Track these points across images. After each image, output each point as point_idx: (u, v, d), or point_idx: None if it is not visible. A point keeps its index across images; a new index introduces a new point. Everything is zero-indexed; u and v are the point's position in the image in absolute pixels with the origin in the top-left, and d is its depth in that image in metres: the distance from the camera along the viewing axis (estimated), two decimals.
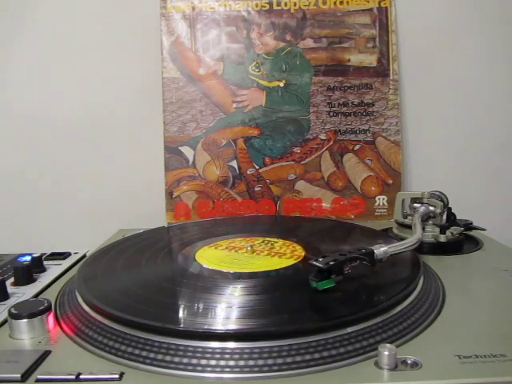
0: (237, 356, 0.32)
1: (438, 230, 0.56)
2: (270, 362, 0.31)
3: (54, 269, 0.53)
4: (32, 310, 0.38)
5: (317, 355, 0.32)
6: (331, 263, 0.38)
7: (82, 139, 0.78)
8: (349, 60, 0.75)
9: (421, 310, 0.39)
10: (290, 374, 0.31)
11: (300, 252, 0.50)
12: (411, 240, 0.46)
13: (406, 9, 0.75)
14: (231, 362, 0.32)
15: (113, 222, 0.72)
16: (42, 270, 0.52)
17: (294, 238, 0.55)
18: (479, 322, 0.38)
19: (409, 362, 0.32)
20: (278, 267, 0.46)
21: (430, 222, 0.57)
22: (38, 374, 0.32)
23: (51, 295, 0.45)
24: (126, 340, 0.34)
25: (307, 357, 0.32)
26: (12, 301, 0.44)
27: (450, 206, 0.58)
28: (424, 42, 0.77)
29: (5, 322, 0.39)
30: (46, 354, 0.34)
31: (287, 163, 0.75)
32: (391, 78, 0.75)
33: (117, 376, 0.31)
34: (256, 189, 0.75)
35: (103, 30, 0.76)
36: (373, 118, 0.75)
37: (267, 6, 0.74)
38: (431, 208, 0.57)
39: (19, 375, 0.31)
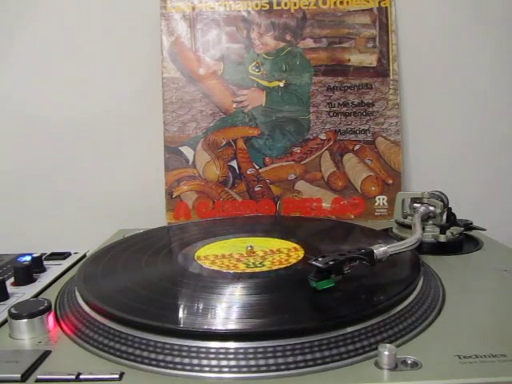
0: (237, 356, 0.32)
1: (437, 230, 0.57)
2: (269, 361, 0.31)
3: (53, 269, 0.54)
4: (32, 310, 0.38)
5: (317, 355, 0.32)
6: (331, 263, 0.38)
7: (82, 139, 0.78)
8: (349, 60, 0.75)
9: (421, 309, 0.39)
10: (290, 373, 0.31)
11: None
12: (411, 240, 0.46)
13: (405, 9, 0.75)
14: (231, 362, 0.32)
15: (113, 222, 0.72)
16: (42, 270, 0.52)
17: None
18: (479, 322, 0.38)
19: (409, 361, 0.32)
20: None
21: (430, 222, 0.57)
22: (38, 374, 0.32)
23: (51, 295, 0.45)
24: (125, 340, 0.34)
25: (307, 357, 0.32)
26: (12, 301, 0.44)
27: (450, 205, 0.58)
28: (424, 42, 0.77)
29: (5, 322, 0.39)
30: (46, 354, 0.34)
31: (287, 163, 0.75)
32: (391, 77, 0.75)
33: (117, 376, 0.31)
34: (256, 189, 0.75)
35: (103, 30, 0.76)
36: (373, 118, 0.75)
37: (267, 6, 0.74)
38: (431, 208, 0.57)
39: (19, 375, 0.31)
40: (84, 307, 0.40)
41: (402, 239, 0.47)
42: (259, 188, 0.75)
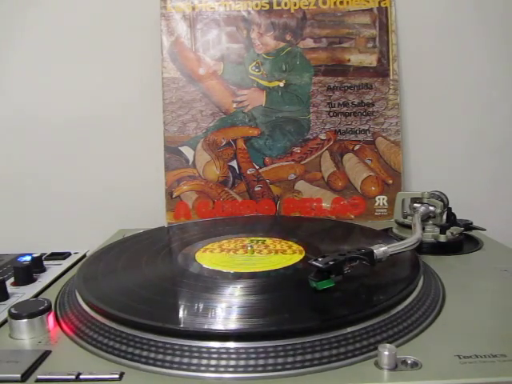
0: (237, 356, 0.32)
1: (437, 230, 0.57)
2: (269, 361, 0.31)
3: (53, 269, 0.54)
4: (32, 310, 0.38)
5: (317, 355, 0.32)
6: (331, 263, 0.38)
7: (82, 139, 0.78)
8: (349, 60, 0.75)
9: (421, 309, 0.39)
10: (290, 373, 0.31)
11: (300, 252, 0.50)
12: (411, 240, 0.46)
13: (406, 9, 0.75)
14: (231, 362, 0.32)
15: (113, 222, 0.72)
16: (42, 270, 0.52)
17: (294, 238, 0.55)
18: (479, 322, 0.38)
19: (409, 361, 0.32)
20: (277, 267, 0.46)
21: (430, 222, 0.57)
22: (38, 374, 0.32)
23: (51, 295, 0.45)
24: (126, 340, 0.34)
25: (307, 357, 0.32)
26: (12, 301, 0.44)
27: (450, 206, 0.58)
28: (424, 42, 0.77)
29: (5, 322, 0.39)
30: (46, 354, 0.34)
31: (287, 163, 0.75)
32: (391, 77, 0.75)
33: (117, 376, 0.31)
34: (256, 189, 0.75)
35: (103, 30, 0.76)
36: (373, 118, 0.75)
37: (267, 6, 0.74)
38: (431, 208, 0.57)
39: (19, 375, 0.31)
40: (84, 307, 0.40)
41: (402, 239, 0.47)
42: (259, 188, 0.75)
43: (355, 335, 0.34)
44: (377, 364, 0.31)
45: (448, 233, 0.56)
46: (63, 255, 0.58)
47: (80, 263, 0.52)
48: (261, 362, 0.31)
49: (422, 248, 0.53)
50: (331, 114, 0.75)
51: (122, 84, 0.77)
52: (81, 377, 0.31)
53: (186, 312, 0.37)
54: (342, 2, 0.74)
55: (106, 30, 0.76)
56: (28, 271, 0.49)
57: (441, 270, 0.48)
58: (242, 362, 0.31)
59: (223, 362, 0.32)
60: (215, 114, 0.75)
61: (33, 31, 0.76)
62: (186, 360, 0.32)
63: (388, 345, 0.32)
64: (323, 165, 0.75)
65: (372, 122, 0.75)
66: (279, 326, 0.34)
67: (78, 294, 0.42)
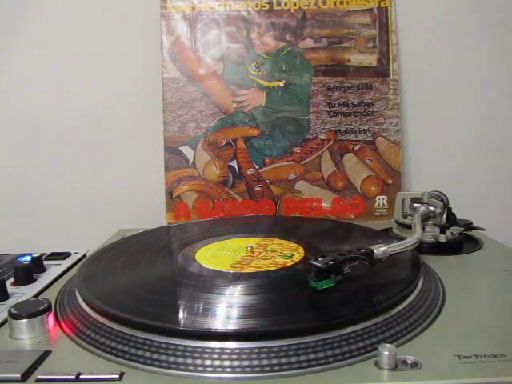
0: (237, 356, 0.32)
1: (438, 230, 0.57)
2: (269, 362, 0.31)
3: (53, 269, 0.54)
4: (32, 310, 0.38)
5: (317, 355, 0.32)
6: (331, 263, 0.38)
7: (82, 139, 0.78)
8: (349, 60, 0.75)
9: (421, 309, 0.39)
10: (290, 374, 0.31)
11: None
12: (411, 240, 0.46)
13: (405, 9, 0.75)
14: (231, 362, 0.32)
15: (113, 222, 0.72)
16: (42, 270, 0.52)
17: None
18: (479, 322, 0.38)
19: (409, 362, 0.32)
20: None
21: (430, 222, 0.57)
22: (38, 374, 0.32)
23: (51, 295, 0.45)
24: (126, 340, 0.34)
25: (307, 357, 0.32)
26: (12, 301, 0.44)
27: (450, 205, 0.58)
28: (424, 42, 0.77)
29: (5, 321, 0.39)
30: (46, 354, 0.34)
31: (287, 163, 0.75)
32: (391, 77, 0.75)
33: (117, 376, 0.31)
34: (256, 189, 0.75)
35: (103, 30, 0.76)
36: (373, 118, 0.75)
37: (267, 6, 0.74)
38: (431, 208, 0.57)
39: (19, 375, 0.31)
40: (84, 307, 0.40)
41: (402, 239, 0.47)
42: (259, 188, 0.75)
43: (355, 335, 0.34)
44: (377, 364, 0.31)
45: (448, 233, 0.56)
46: (63, 255, 0.58)
47: (80, 263, 0.52)
48: (261, 362, 0.31)
49: (422, 248, 0.53)
50: (331, 114, 0.75)
51: (121, 84, 0.77)
52: (81, 377, 0.31)
53: (185, 312, 0.37)
54: (342, 2, 0.74)
55: (105, 30, 0.76)
56: (28, 271, 0.49)
57: (441, 270, 0.48)
58: (242, 362, 0.31)
59: (223, 362, 0.32)
60: (215, 114, 0.75)
61: (32, 31, 0.76)
62: (186, 360, 0.32)
63: (388, 345, 0.32)
64: (323, 165, 0.75)
65: (372, 122, 0.75)
66: (279, 326, 0.34)
67: (78, 294, 0.42)
